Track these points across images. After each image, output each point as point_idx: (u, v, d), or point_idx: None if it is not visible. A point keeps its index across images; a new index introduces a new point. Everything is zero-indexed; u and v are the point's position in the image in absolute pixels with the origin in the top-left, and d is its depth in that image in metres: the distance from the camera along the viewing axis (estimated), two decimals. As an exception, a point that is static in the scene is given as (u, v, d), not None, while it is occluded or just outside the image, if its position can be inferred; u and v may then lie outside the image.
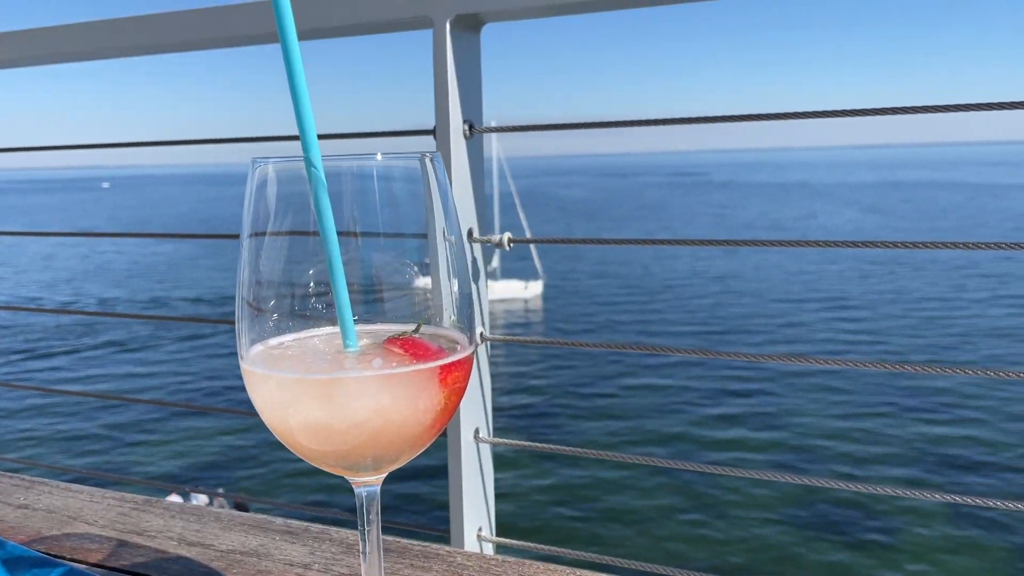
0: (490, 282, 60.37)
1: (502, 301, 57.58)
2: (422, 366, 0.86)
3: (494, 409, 1.98)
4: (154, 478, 24.91)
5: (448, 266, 0.91)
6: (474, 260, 1.87)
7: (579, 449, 1.95)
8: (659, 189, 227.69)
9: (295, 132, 0.83)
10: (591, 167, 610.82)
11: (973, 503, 1.51)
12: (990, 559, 20.56)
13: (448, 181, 0.92)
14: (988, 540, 21.31)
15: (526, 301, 57.72)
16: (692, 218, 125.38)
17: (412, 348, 0.88)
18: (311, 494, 24.69)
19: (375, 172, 0.86)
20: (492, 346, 2.15)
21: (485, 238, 1.86)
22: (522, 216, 68.94)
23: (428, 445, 0.91)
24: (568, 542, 20.87)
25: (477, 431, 1.86)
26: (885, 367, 1.73)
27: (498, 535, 1.95)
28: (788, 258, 72.49)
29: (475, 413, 1.88)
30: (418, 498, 23.30)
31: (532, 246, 66.21)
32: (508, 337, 2.07)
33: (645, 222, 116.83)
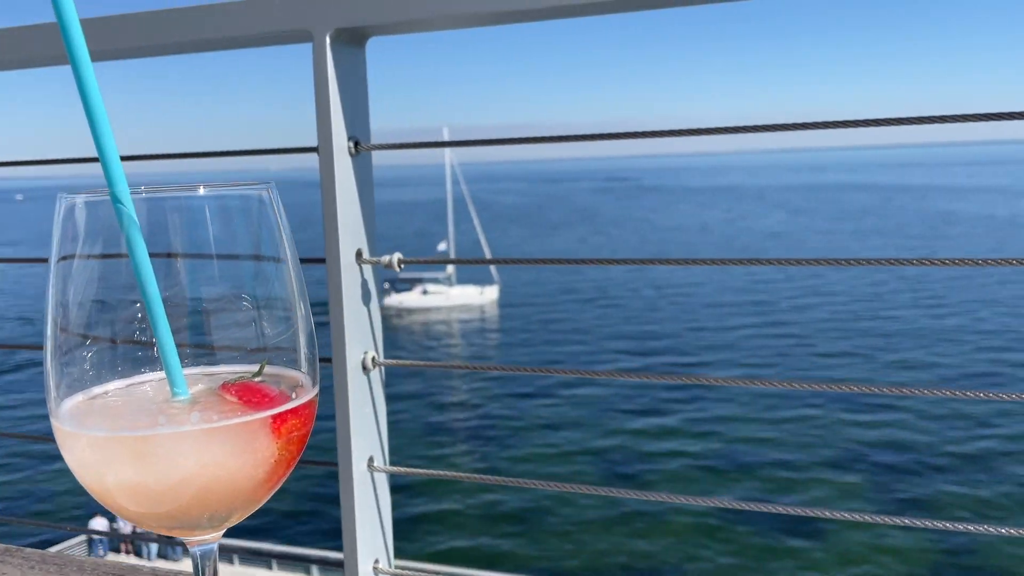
0: (446, 288, 59.21)
1: (459, 308, 57.79)
2: (248, 417, 0.79)
3: (390, 434, 1.86)
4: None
5: (294, 301, 0.84)
6: (364, 282, 1.77)
7: (478, 475, 1.88)
8: (591, 194, 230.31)
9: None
10: (523, 173, 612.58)
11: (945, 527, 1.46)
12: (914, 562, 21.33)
13: (278, 214, 0.85)
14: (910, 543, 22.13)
15: (482, 307, 58.02)
16: (624, 222, 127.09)
17: (246, 395, 0.81)
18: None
19: (199, 204, 0.78)
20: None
21: (374, 259, 1.76)
22: (476, 223, 68.80)
23: (267, 498, 0.85)
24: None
25: (371, 460, 1.77)
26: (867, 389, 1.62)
27: (396, 561, 1.87)
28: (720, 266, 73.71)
29: (369, 441, 1.79)
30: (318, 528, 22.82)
31: (487, 253, 67.15)
32: (400, 362, 1.96)
33: (578, 227, 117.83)
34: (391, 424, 1.85)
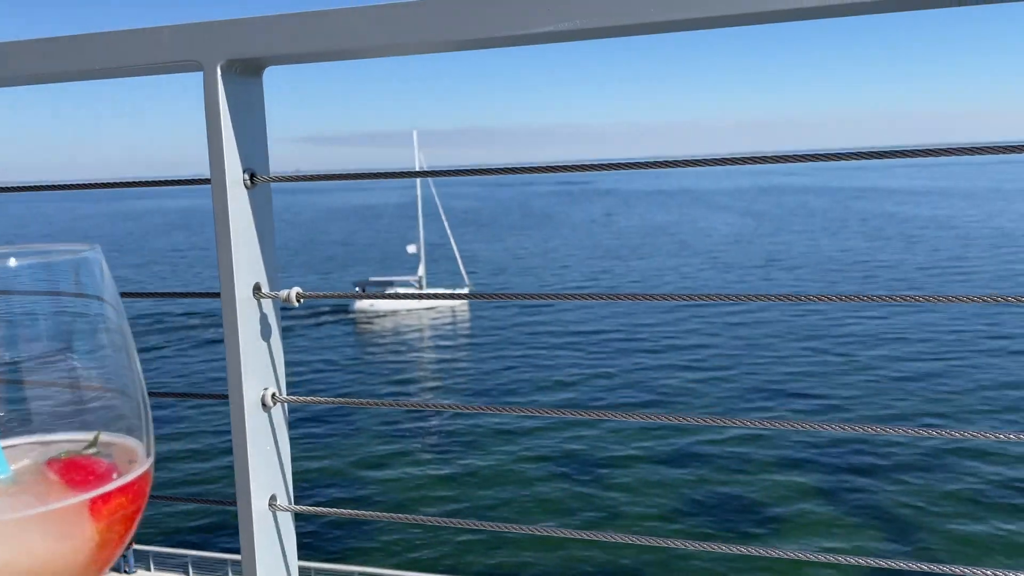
0: (417, 291, 59.01)
1: (430, 310, 58.50)
2: (65, 502, 0.73)
3: (294, 472, 1.82)
4: None
5: (126, 364, 0.81)
6: (263, 317, 1.73)
7: (385, 514, 1.83)
8: (546, 198, 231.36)
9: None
10: (477, 178, 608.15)
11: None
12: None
13: (103, 275, 0.82)
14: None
15: (453, 309, 58.45)
16: (580, 225, 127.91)
17: (70, 473, 0.75)
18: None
19: (18, 268, 0.74)
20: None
21: (272, 294, 1.73)
22: (447, 226, 69.35)
23: None
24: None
25: (274, 498, 1.73)
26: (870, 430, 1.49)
27: None
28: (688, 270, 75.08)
29: (271, 479, 1.75)
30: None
31: (458, 256, 66.01)
32: (302, 399, 1.92)
33: (535, 230, 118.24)
34: (299, 460, 1.81)
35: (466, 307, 58.32)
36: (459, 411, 34.71)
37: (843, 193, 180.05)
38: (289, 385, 1.83)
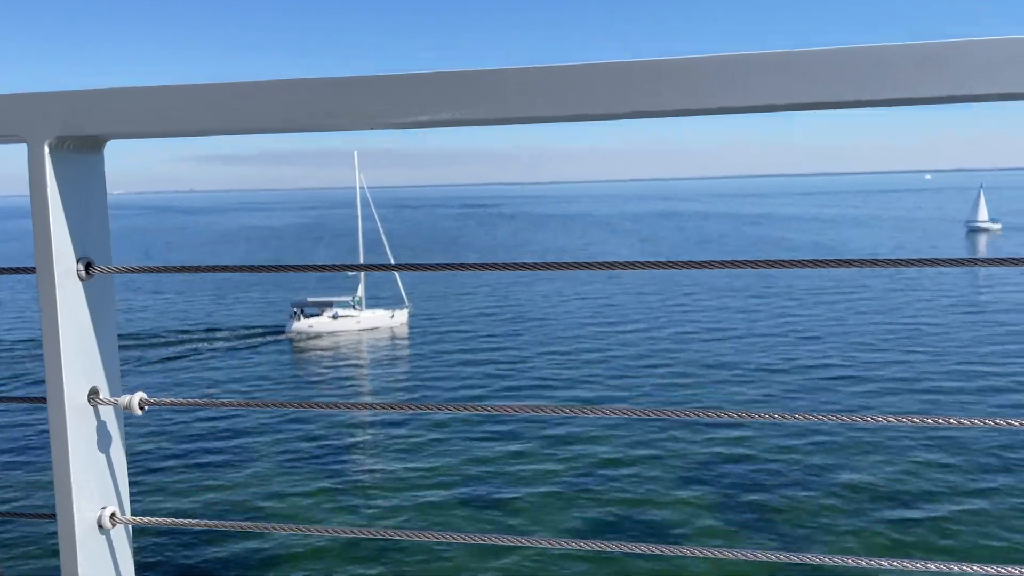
0: (356, 312, 59.79)
1: (370, 330, 58.52)
2: None
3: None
4: None
5: None
6: (101, 425, 1.50)
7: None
8: (452, 220, 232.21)
9: None
10: (383, 198, 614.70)
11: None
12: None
13: None
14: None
15: (392, 329, 58.65)
16: (487, 249, 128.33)
17: None
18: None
19: None
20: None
21: (111, 400, 1.54)
22: (387, 247, 69.69)
23: None
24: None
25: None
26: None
27: None
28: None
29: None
30: None
31: (397, 277, 68.63)
32: (145, 519, 1.68)
33: (442, 253, 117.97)
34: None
35: (405, 329, 58.82)
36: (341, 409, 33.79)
37: (739, 219, 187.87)
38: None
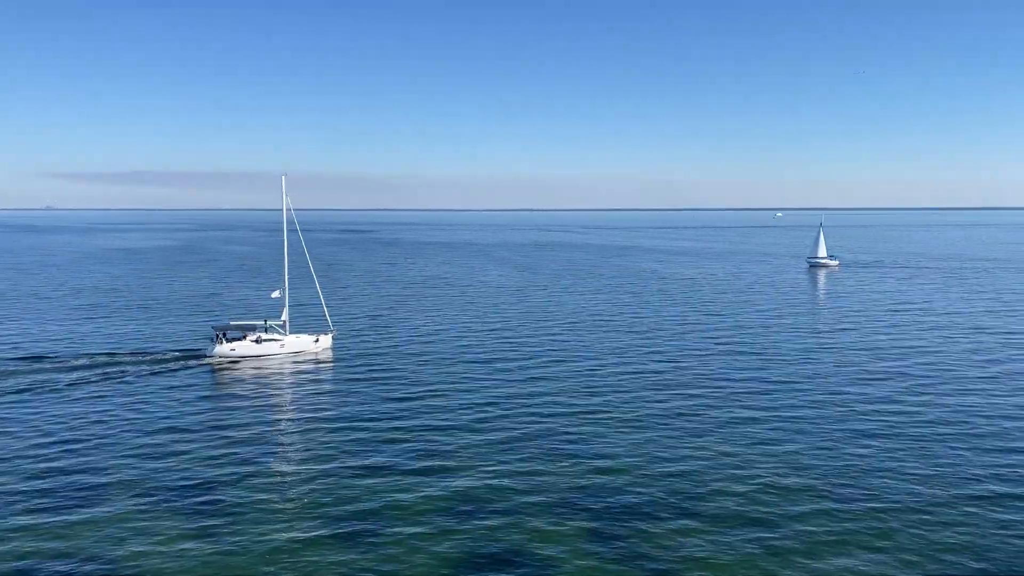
0: (280, 336, 58.91)
1: (294, 354, 57.86)
2: None
3: None
4: None
5: None
6: None
7: None
8: (327, 245, 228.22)
9: None
10: (253, 221, 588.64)
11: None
12: None
13: None
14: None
15: (316, 354, 58.26)
16: (364, 275, 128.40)
17: None
18: None
19: None
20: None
21: None
22: (313, 272, 71.17)
23: None
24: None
25: None
26: None
27: None
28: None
29: None
30: None
31: (323, 302, 67.52)
32: None
33: (321, 277, 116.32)
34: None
35: (330, 352, 58.69)
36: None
37: (608, 250, 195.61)
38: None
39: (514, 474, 31.68)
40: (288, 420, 40.07)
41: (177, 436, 37.25)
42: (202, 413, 41.49)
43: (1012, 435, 36.53)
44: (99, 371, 51.58)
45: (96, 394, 45.41)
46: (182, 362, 54.91)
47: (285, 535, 26.10)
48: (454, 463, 32.99)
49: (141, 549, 25.23)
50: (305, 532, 26.35)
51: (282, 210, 64.82)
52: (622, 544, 25.21)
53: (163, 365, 53.84)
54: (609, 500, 28.78)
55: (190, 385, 48.11)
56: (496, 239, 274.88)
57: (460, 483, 30.67)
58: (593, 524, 26.76)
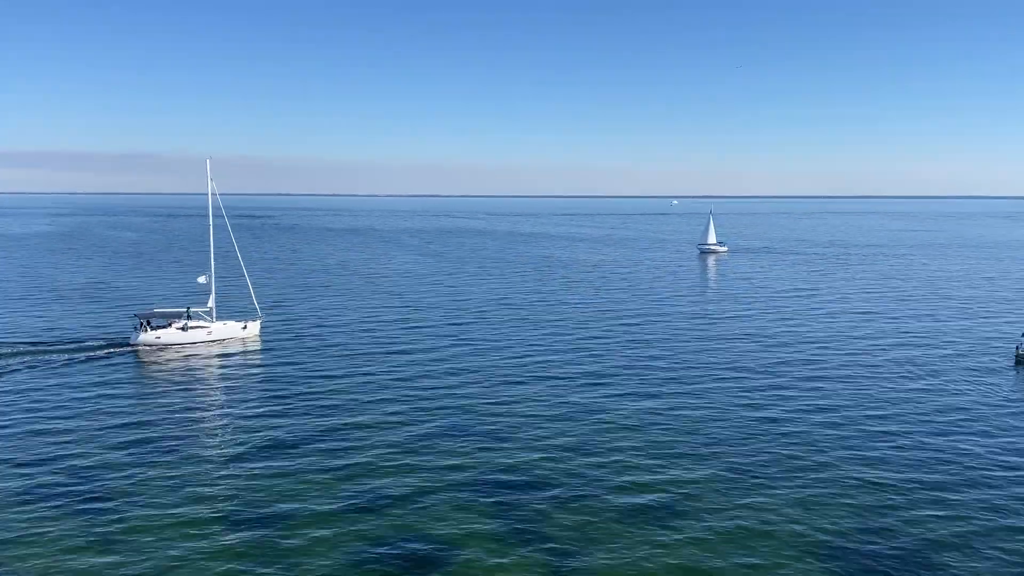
0: (207, 323, 57.69)
1: (220, 342, 56.57)
2: None
3: None
4: None
5: None
6: None
7: None
8: (223, 231, 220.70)
9: None
10: (143, 206, 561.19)
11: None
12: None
13: None
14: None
15: (244, 340, 57.16)
16: (261, 260, 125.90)
17: None
18: None
19: None
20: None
21: None
22: (240, 257, 69.43)
23: None
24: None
25: None
26: None
27: None
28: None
29: None
30: None
31: (251, 288, 65.23)
32: None
33: (202, 266, 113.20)
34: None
35: (257, 339, 57.62)
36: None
37: (515, 237, 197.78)
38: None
39: (428, 466, 32.35)
40: (213, 411, 39.46)
41: (91, 429, 36.34)
42: (122, 405, 40.37)
43: (890, 415, 40.06)
44: (13, 360, 49.43)
45: (4, 388, 43.46)
46: (103, 351, 52.77)
47: (194, 529, 26.04)
48: (371, 456, 33.44)
49: (37, 551, 24.87)
50: (218, 528, 26.30)
51: (207, 195, 63.31)
52: (533, 532, 25.99)
53: (84, 354, 51.69)
54: (520, 490, 29.51)
55: (111, 376, 46.48)
56: (401, 226, 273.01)
57: (377, 476, 31.14)
58: (504, 512, 27.49)
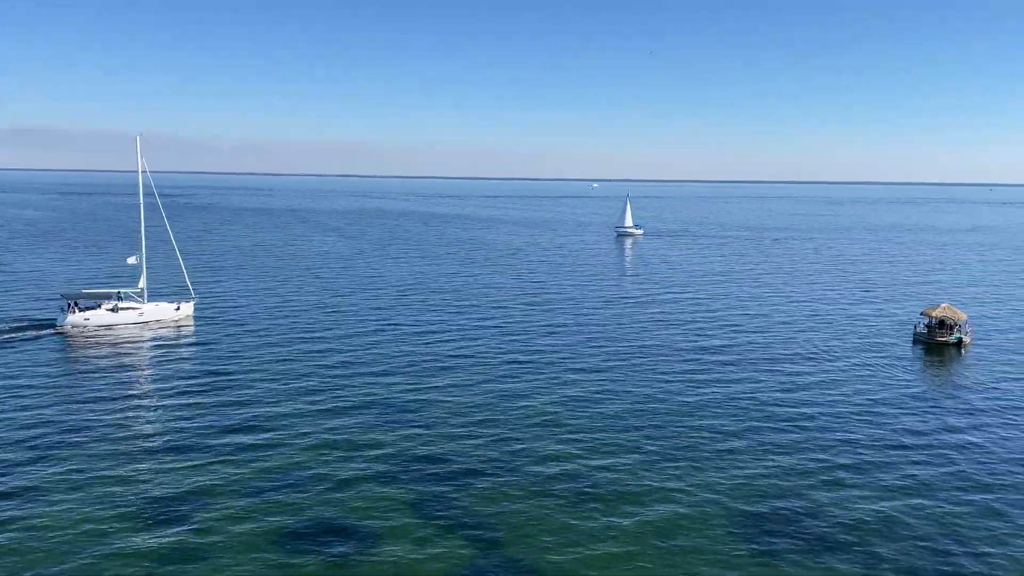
0: (138, 304, 55.66)
1: (153, 323, 54.96)
2: None
3: None
4: None
5: None
6: None
7: None
8: (130, 210, 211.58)
9: None
10: (44, 183, 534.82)
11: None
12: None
13: None
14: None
15: (178, 322, 55.57)
16: (182, 243, 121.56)
17: None
18: None
19: None
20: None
21: None
22: (172, 238, 67.59)
23: None
24: None
25: None
26: None
27: None
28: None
29: None
30: None
31: (183, 268, 63.60)
32: None
33: (113, 246, 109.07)
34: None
35: (191, 320, 56.09)
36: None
37: (439, 219, 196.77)
38: None
39: (348, 454, 32.06)
40: (139, 399, 38.11)
41: (13, 415, 34.62)
42: (44, 392, 38.56)
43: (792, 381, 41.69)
44: None
45: None
46: (25, 333, 50.68)
47: (103, 525, 25.26)
48: (293, 444, 32.99)
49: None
50: (129, 525, 25.52)
51: (137, 172, 60.90)
52: (454, 518, 26.14)
53: (2, 337, 49.54)
54: (440, 476, 29.60)
55: (35, 360, 44.46)
56: (318, 206, 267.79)
57: (297, 464, 30.74)
58: (424, 499, 27.50)
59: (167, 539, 23.74)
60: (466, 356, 47.03)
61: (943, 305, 53.64)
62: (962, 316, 52.36)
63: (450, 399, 38.41)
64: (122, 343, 49.63)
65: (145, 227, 61.25)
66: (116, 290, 56.92)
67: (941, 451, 32.08)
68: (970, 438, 33.72)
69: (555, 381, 41.83)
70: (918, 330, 53.59)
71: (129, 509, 25.76)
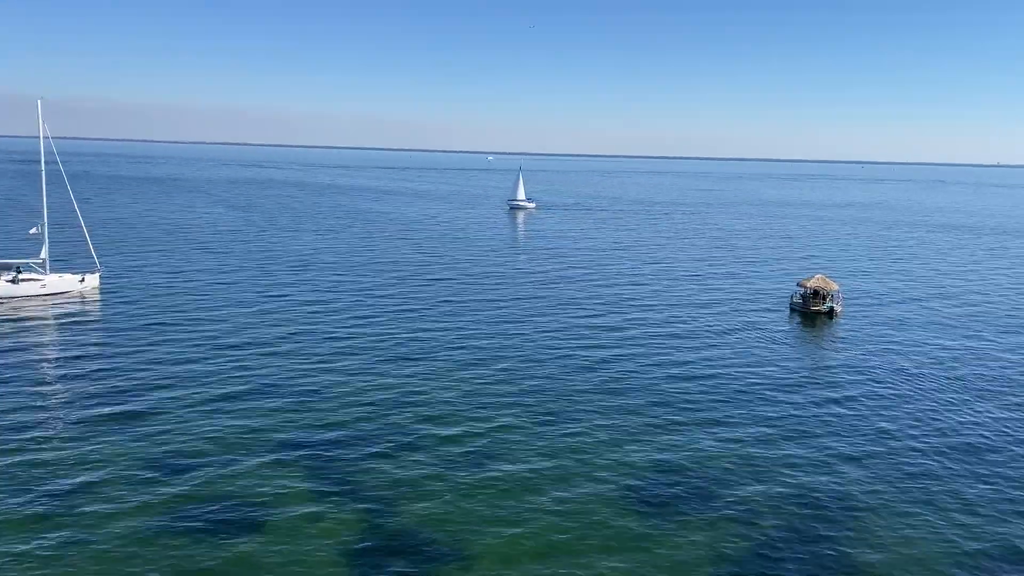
0: (40, 275, 53.39)
1: (55, 295, 52.69)
2: None
3: None
4: None
5: None
6: None
7: None
8: (11, 179, 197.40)
9: None
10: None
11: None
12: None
13: None
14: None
15: (83, 294, 53.48)
16: (61, 209, 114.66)
17: None
18: None
19: None
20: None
21: None
22: (76, 207, 64.83)
23: None
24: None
25: None
26: None
27: None
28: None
29: None
30: None
31: (88, 238, 60.61)
32: None
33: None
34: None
35: (96, 292, 54.29)
36: None
37: (332, 190, 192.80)
38: None
39: (242, 428, 31.82)
40: (36, 376, 36.34)
41: None
42: None
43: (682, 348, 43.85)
44: None
45: None
46: None
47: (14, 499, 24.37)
48: (188, 422, 32.43)
49: None
50: (17, 499, 24.82)
51: (38, 138, 57.35)
52: (349, 488, 26.44)
53: None
54: (334, 446, 29.75)
55: None
56: (205, 175, 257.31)
57: (193, 441, 30.27)
58: (318, 470, 27.72)
59: (53, 533, 23.00)
60: (361, 328, 46.94)
61: (817, 276, 57.16)
62: (834, 286, 56.05)
63: (345, 369, 38.43)
64: (21, 317, 47.47)
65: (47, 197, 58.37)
66: (14, 260, 54.67)
67: (811, 416, 34.60)
68: (836, 401, 36.49)
69: (449, 355, 42.35)
70: (794, 300, 57.07)
71: (16, 500, 24.79)
